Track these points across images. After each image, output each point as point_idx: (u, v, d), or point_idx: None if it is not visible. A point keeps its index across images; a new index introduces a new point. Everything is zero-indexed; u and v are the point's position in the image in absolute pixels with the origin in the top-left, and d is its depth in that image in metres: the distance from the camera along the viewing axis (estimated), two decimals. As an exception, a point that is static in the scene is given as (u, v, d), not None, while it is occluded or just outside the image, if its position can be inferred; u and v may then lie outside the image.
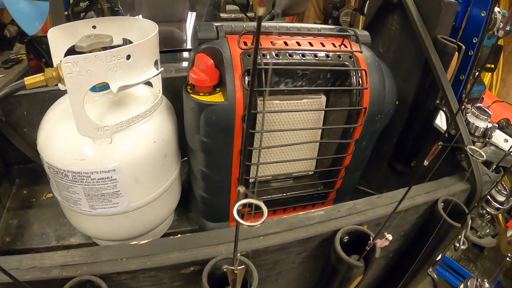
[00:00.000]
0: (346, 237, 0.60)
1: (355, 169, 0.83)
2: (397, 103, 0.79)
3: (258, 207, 0.74)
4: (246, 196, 0.30)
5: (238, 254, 0.44)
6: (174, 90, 0.78)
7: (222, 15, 1.61)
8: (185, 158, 0.81)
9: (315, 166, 0.82)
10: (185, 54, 1.48)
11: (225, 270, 0.50)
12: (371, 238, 0.57)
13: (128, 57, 0.58)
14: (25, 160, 0.98)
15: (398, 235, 0.74)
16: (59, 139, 0.65)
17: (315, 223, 0.59)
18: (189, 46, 1.51)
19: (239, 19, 1.62)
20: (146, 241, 0.52)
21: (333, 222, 0.60)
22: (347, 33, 0.73)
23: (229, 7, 1.75)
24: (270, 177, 0.79)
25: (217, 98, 0.63)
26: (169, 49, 1.30)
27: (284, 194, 0.79)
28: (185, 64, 1.44)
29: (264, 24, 0.70)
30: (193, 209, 0.87)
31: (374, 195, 0.69)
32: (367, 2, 1.06)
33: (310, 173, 0.83)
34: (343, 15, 2.52)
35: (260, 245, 0.53)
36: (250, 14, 1.61)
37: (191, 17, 1.58)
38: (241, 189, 0.29)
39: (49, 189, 0.99)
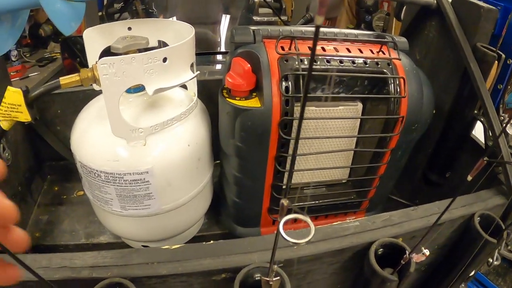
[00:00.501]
0: (381, 249, 0.59)
1: (389, 178, 0.81)
2: (434, 112, 0.76)
3: (291, 213, 0.72)
4: (288, 210, 0.29)
5: (275, 266, 0.43)
6: (208, 93, 0.78)
7: (255, 18, 1.60)
8: (217, 161, 0.80)
9: (349, 174, 0.81)
10: (219, 57, 1.48)
11: (257, 278, 0.49)
12: (407, 252, 0.55)
13: (165, 59, 0.58)
14: (57, 157, 0.99)
15: (432, 248, 0.71)
16: (92, 139, 0.65)
17: (350, 234, 0.57)
18: (223, 49, 1.51)
19: (272, 23, 1.61)
20: (178, 245, 0.51)
21: (368, 234, 0.58)
22: (385, 39, 0.71)
23: (261, 10, 1.74)
24: (303, 184, 0.78)
25: (254, 103, 0.62)
26: (203, 51, 1.30)
27: (317, 202, 0.78)
28: (218, 66, 1.43)
29: (301, 28, 0.69)
30: (223, 213, 0.86)
31: (410, 207, 0.66)
32: (404, 7, 1.04)
33: (344, 181, 0.81)
34: (376, 19, 2.49)
35: (294, 254, 0.52)
36: (283, 18, 1.60)
37: (225, 20, 1.58)
38: (285, 202, 0.28)
39: (80, 186, 1.00)
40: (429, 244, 0.70)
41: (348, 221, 0.60)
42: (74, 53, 1.69)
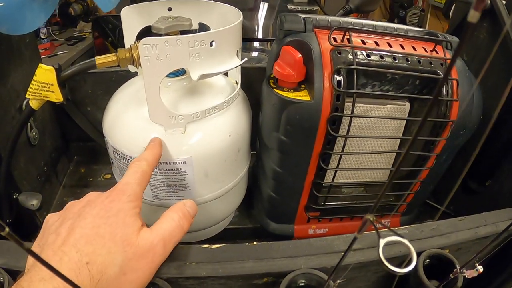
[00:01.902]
0: (427, 260, 0.55)
1: (429, 183, 0.77)
2: (481, 117, 0.72)
3: (328, 212, 0.69)
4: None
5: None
6: (247, 81, 0.74)
7: (289, 6, 1.56)
8: (253, 152, 0.77)
9: (389, 176, 0.77)
10: (256, 44, 1.45)
11: (301, 284, 0.46)
12: (458, 267, 0.52)
13: (212, 43, 0.54)
14: (84, 138, 0.97)
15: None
16: (127, 124, 0.62)
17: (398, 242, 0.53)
18: (259, 36, 1.47)
19: (306, 12, 1.56)
20: (218, 245, 0.48)
21: (416, 243, 0.55)
22: (439, 38, 0.67)
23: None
24: (342, 183, 0.75)
25: (303, 96, 0.58)
26: (249, 38, 1.27)
27: (355, 202, 0.74)
28: (255, 54, 1.40)
29: (350, 20, 0.65)
30: (256, 206, 0.83)
31: (457, 217, 0.63)
32: (453, 5, 0.99)
33: (383, 183, 0.78)
34: (410, 15, 2.43)
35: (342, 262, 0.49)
36: (316, 8, 1.55)
37: (263, 7, 1.54)
38: (371, 217, 0.24)
39: (107, 169, 0.98)
40: (472, 256, 0.66)
41: (396, 228, 0.56)
42: (105, 33, 1.67)
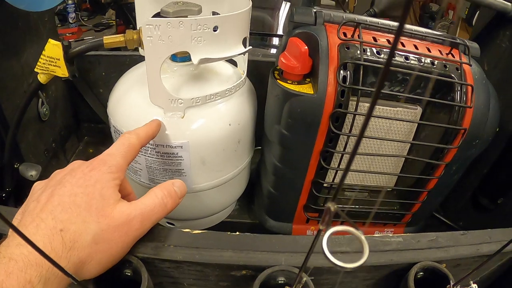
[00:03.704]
0: (421, 273, 0.52)
1: (437, 194, 0.74)
2: (497, 130, 0.69)
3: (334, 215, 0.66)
4: (334, 215, 0.23)
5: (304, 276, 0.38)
6: (259, 75, 0.73)
7: (315, 8, 1.54)
8: (258, 147, 0.76)
9: (395, 183, 0.74)
10: (275, 42, 1.43)
11: (280, 282, 0.44)
12: (451, 283, 0.49)
13: (215, 28, 0.53)
14: (96, 120, 0.98)
15: (473, 280, 0.64)
16: (129, 104, 0.62)
17: (391, 250, 0.51)
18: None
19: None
20: (199, 231, 0.47)
21: (410, 253, 0.52)
22: (457, 41, 0.64)
23: (323, 1, 1.68)
24: (345, 185, 0.73)
25: (306, 89, 0.56)
26: (259, 32, 1.26)
27: (357, 207, 0.72)
28: (273, 51, 1.39)
29: (365, 18, 0.63)
30: (256, 202, 0.81)
31: (459, 231, 0.59)
32: (477, 13, 0.95)
33: (388, 189, 0.75)
34: (439, 27, 2.37)
35: (326, 263, 0.46)
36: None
37: (285, 6, 1.53)
38: (332, 206, 0.22)
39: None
40: (473, 275, 0.63)
41: (390, 235, 0.54)
42: (128, 19, 1.68)
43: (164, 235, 0.46)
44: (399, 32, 0.15)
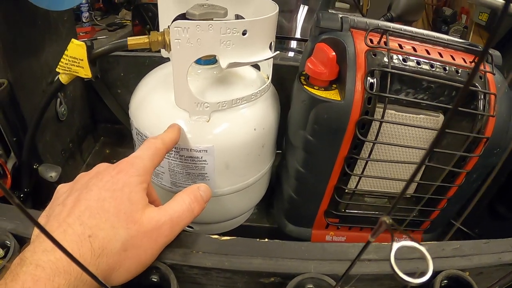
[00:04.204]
0: (445, 281, 0.52)
1: (456, 202, 0.74)
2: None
3: (348, 220, 0.66)
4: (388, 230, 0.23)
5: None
6: (279, 78, 0.73)
7: (330, 11, 1.54)
8: (278, 151, 0.76)
9: (415, 189, 0.74)
10: (292, 45, 1.43)
11: (309, 289, 0.44)
12: (476, 292, 0.49)
13: (244, 32, 0.53)
14: (113, 120, 0.98)
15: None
16: (152, 107, 0.62)
17: (417, 257, 0.51)
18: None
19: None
20: (228, 237, 0.46)
21: (436, 262, 0.52)
22: (481, 49, 0.64)
23: (337, 4, 1.68)
24: (366, 191, 0.72)
25: (333, 95, 0.56)
26: (284, 36, 1.26)
27: (377, 213, 0.71)
28: (291, 54, 1.39)
29: (389, 24, 0.63)
30: (276, 206, 0.81)
31: (482, 240, 0.59)
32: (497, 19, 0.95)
33: (408, 196, 0.75)
34: (453, 31, 2.36)
35: (354, 270, 0.46)
36: (358, 15, 1.53)
37: (302, 10, 1.53)
38: (387, 220, 0.22)
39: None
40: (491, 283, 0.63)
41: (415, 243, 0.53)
42: (144, 20, 1.69)
43: (192, 241, 0.46)
44: (482, 57, 0.15)
